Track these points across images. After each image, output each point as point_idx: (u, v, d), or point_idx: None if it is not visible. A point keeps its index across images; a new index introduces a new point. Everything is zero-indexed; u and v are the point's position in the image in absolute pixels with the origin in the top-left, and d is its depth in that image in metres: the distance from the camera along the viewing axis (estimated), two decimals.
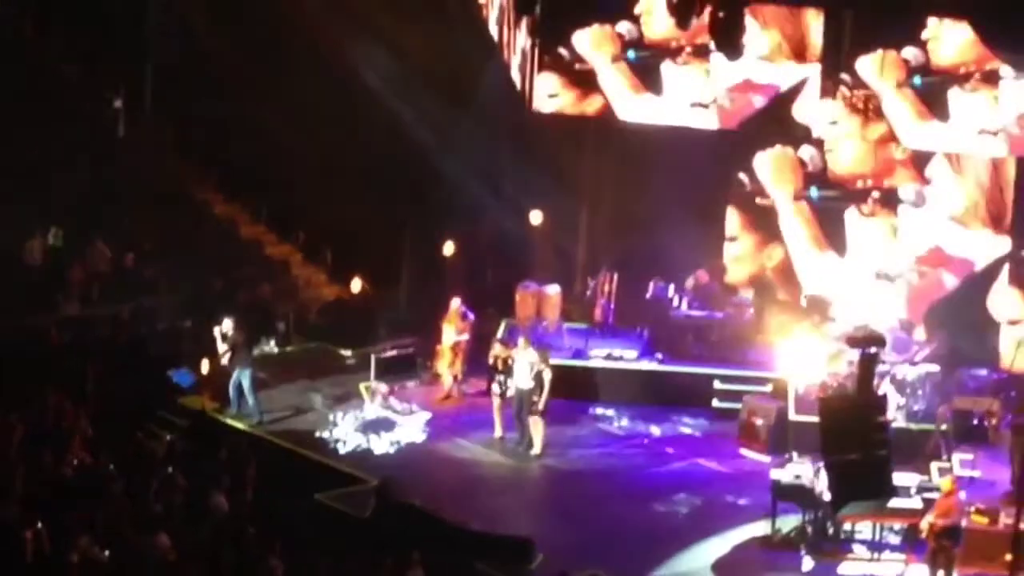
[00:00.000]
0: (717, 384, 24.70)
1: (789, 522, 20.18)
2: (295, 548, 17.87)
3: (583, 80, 26.32)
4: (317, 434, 22.99)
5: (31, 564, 16.61)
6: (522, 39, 26.98)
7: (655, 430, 24.01)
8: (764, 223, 26.82)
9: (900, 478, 19.70)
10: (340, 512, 20.20)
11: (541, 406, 22.44)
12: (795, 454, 20.86)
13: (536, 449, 22.63)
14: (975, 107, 25.23)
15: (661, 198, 25.93)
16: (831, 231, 26.51)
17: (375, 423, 23.50)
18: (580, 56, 26.24)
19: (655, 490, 21.73)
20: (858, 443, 18.89)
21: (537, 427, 22.58)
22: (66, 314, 25.37)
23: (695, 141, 26.27)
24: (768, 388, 24.10)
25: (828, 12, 25.87)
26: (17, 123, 26.13)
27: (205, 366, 23.75)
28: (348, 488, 20.95)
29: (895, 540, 19.79)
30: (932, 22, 25.28)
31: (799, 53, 26.05)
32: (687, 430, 24.15)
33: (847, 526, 19.92)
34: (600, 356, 25.28)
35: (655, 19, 25.83)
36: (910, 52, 25.45)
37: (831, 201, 26.38)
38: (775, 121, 26.23)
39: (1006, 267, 25.81)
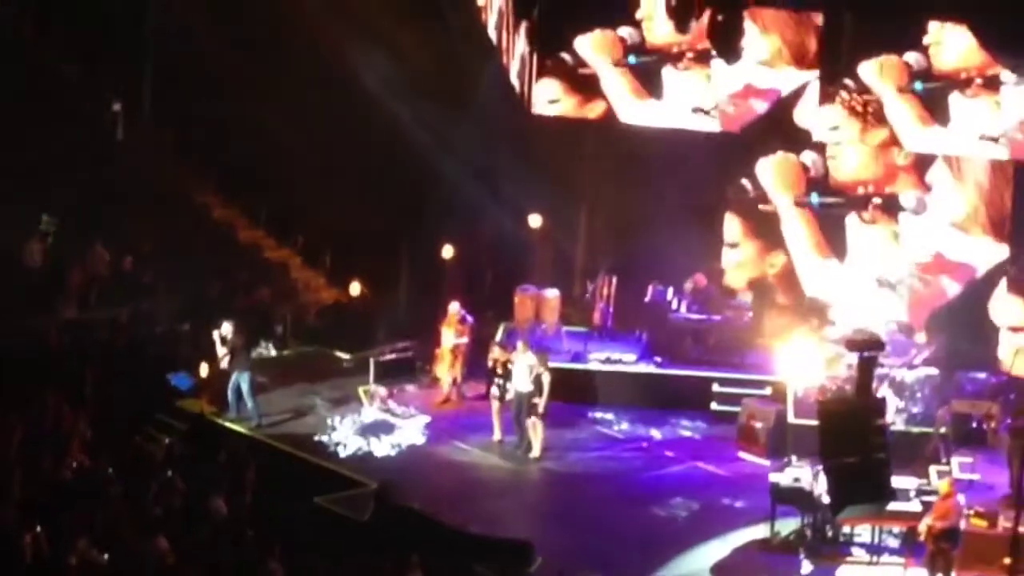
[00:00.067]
0: (716, 387, 24.71)
1: (788, 525, 20.18)
2: (294, 551, 17.86)
3: (584, 85, 26.33)
4: (316, 437, 22.99)
5: (30, 567, 16.60)
6: (521, 45, 27.00)
7: (654, 433, 24.00)
8: (765, 230, 26.82)
9: (899, 481, 19.70)
10: (339, 515, 20.19)
11: (541, 409, 22.44)
12: (794, 457, 20.87)
13: (535, 452, 22.63)
14: (976, 112, 25.21)
15: (660, 201, 25.99)
16: (833, 237, 26.51)
17: (374, 426, 23.49)
18: (583, 60, 26.25)
19: (654, 493, 21.73)
20: (857, 446, 18.89)
21: (536, 430, 22.58)
22: (65, 317, 25.35)
23: (694, 144, 26.30)
24: (767, 391, 24.10)
25: (827, 16, 25.86)
26: (16, 125, 26.11)
27: (204, 369, 23.76)
28: (347, 491, 20.93)
29: (894, 543, 19.80)
30: (933, 27, 25.27)
31: (800, 58, 26.05)
32: (686, 433, 24.15)
33: (846, 529, 19.94)
34: (599, 359, 25.29)
35: (656, 24, 25.84)
36: (912, 57, 25.44)
37: (832, 207, 26.38)
38: (777, 126, 26.23)
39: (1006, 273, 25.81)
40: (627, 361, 25.33)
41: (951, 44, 25.31)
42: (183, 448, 21.23)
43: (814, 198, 26.44)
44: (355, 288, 27.21)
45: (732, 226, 27.00)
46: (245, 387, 23.19)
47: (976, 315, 25.71)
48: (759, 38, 25.88)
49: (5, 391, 21.32)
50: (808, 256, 26.67)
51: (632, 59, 26.16)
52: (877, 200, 26.24)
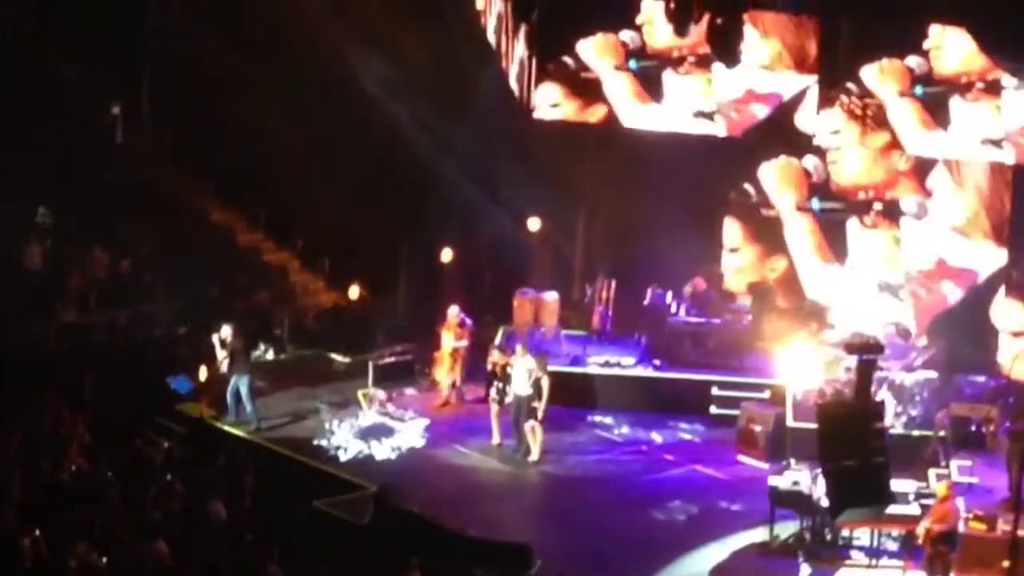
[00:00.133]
0: (715, 391, 24.72)
1: (787, 528, 20.19)
2: (293, 555, 17.86)
3: (585, 90, 26.36)
4: (315, 441, 22.99)
5: (29, 570, 16.60)
6: (520, 49, 27.02)
7: (653, 437, 24.01)
8: (766, 234, 26.82)
9: (898, 484, 19.68)
10: (338, 519, 20.19)
11: (540, 413, 22.44)
12: (793, 461, 20.88)
13: (534, 456, 22.63)
14: (978, 117, 25.20)
15: (659, 205, 25.99)
16: (835, 242, 26.51)
17: (373, 430, 23.50)
18: (585, 64, 26.27)
19: (653, 497, 21.74)
20: (856, 449, 18.88)
21: (535, 434, 22.58)
22: (64, 320, 25.34)
23: (693, 148, 26.31)
24: (766, 395, 24.10)
25: (826, 20, 25.87)
26: (15, 127, 26.11)
27: (203, 373, 23.76)
28: (346, 495, 20.93)
29: (893, 546, 19.82)
30: (934, 31, 25.27)
31: (800, 62, 26.06)
32: (685, 436, 24.16)
33: (845, 532, 19.95)
34: (598, 363, 25.29)
35: (656, 28, 25.88)
36: (913, 60, 25.45)
37: (833, 212, 26.39)
38: (778, 131, 26.24)
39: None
40: (626, 364, 25.33)
41: (951, 48, 25.31)
42: (182, 452, 21.24)
43: (815, 203, 26.44)
44: (354, 291, 27.21)
45: (732, 230, 27.00)
46: (244, 391, 23.19)
47: (975, 318, 25.70)
48: (759, 42, 25.91)
49: (4, 394, 21.32)
50: (811, 261, 26.65)
51: (633, 64, 26.19)
52: (878, 205, 26.23)
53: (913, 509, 19.59)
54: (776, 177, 26.58)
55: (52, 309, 25.43)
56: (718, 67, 25.73)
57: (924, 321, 26.00)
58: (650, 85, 26.28)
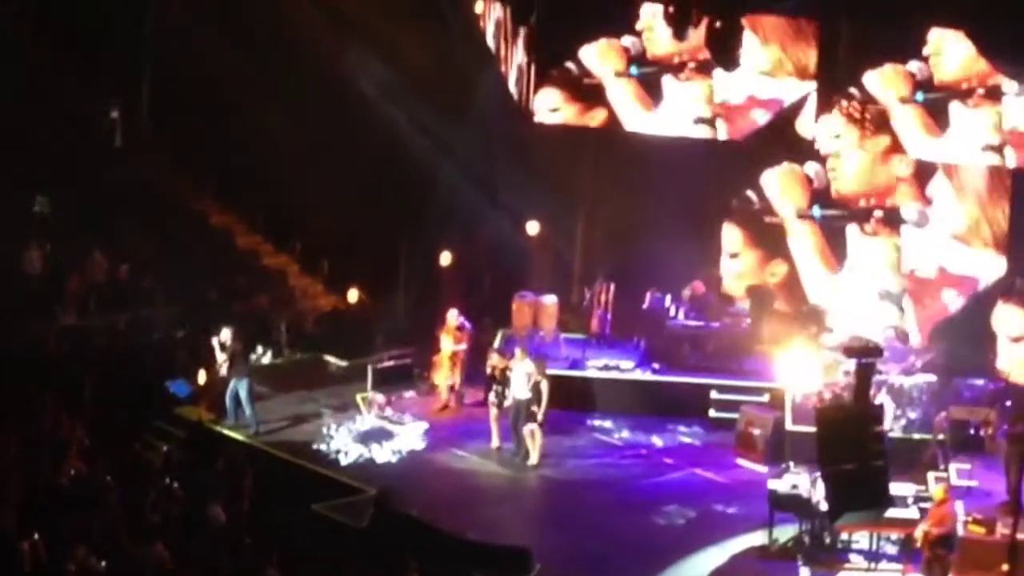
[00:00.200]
0: (714, 394, 24.70)
1: (786, 532, 20.20)
2: (292, 558, 17.86)
3: (586, 94, 26.41)
4: (315, 445, 22.98)
5: (28, 574, 16.60)
6: (519, 54, 27.06)
7: (652, 440, 24.00)
8: (767, 239, 26.84)
9: (897, 488, 19.70)
10: (337, 522, 20.18)
11: (540, 417, 22.44)
12: (792, 464, 20.89)
13: (533, 459, 22.63)
14: (978, 123, 25.18)
15: (658, 208, 26.01)
16: (838, 249, 26.52)
17: (372, 433, 23.49)
18: (588, 70, 26.30)
19: (652, 500, 21.74)
20: (855, 453, 18.89)
21: (535, 437, 22.58)
22: (64, 324, 25.34)
23: (692, 152, 26.34)
24: (765, 398, 24.11)
25: (825, 24, 25.87)
26: (14, 130, 26.10)
27: (202, 376, 23.76)
28: (345, 498, 20.93)
29: (892, 550, 19.82)
30: (933, 37, 25.25)
31: (801, 69, 26.08)
32: (684, 440, 24.15)
33: (844, 536, 19.96)
34: (597, 366, 25.29)
35: (657, 35, 25.92)
36: (915, 66, 25.44)
37: (834, 220, 26.40)
38: (779, 136, 26.26)
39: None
40: (625, 368, 25.33)
41: (951, 54, 25.29)
42: (181, 455, 21.22)
43: (816, 211, 26.44)
44: (353, 295, 27.21)
45: (733, 236, 27.02)
46: (243, 394, 23.19)
47: (974, 323, 25.69)
48: (760, 49, 25.95)
49: (3, 397, 21.32)
50: (815, 268, 26.64)
51: (634, 70, 26.22)
52: (879, 213, 26.22)
53: (912, 512, 19.61)
54: (778, 184, 26.59)
55: (51, 312, 25.42)
56: (719, 73, 25.79)
57: (926, 329, 25.98)
58: (654, 91, 26.31)
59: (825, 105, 26.00)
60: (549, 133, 26.99)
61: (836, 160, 26.29)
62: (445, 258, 26.72)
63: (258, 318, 26.72)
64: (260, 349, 25.82)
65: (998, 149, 25.24)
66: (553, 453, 23.00)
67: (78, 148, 27.59)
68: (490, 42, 28.04)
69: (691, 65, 26.18)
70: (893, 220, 26.21)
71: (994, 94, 25.12)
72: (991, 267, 25.87)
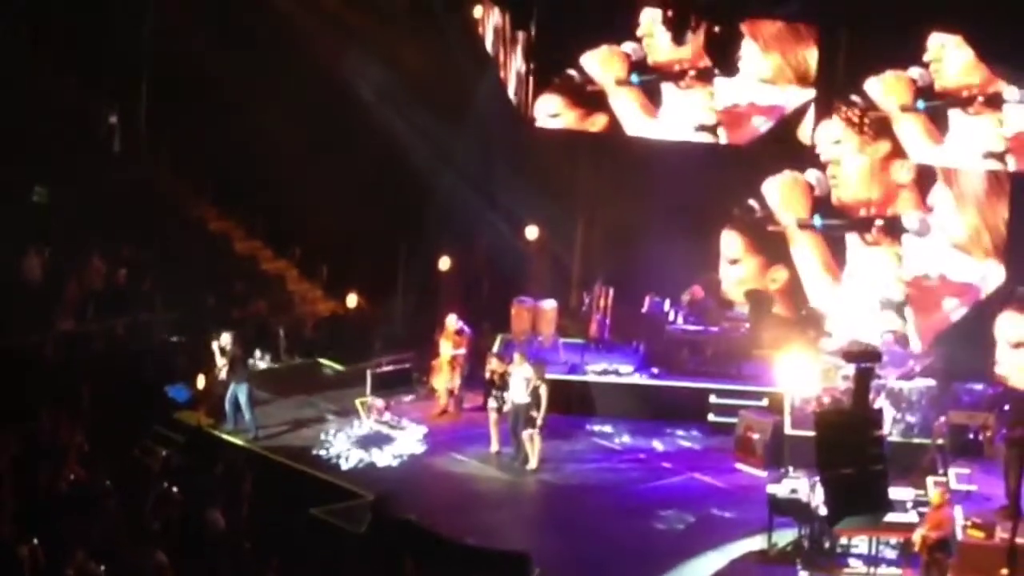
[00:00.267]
0: (713, 399, 24.70)
1: (785, 536, 20.20)
2: (291, 563, 17.86)
3: (587, 100, 26.44)
4: (314, 450, 22.98)
5: None
6: (518, 59, 27.09)
7: (651, 445, 23.99)
8: (768, 246, 26.83)
9: (896, 492, 19.71)
10: (336, 527, 20.17)
11: (540, 421, 22.44)
12: (791, 468, 20.90)
13: (532, 464, 22.63)
14: (978, 130, 25.16)
15: (657, 213, 26.00)
16: (841, 258, 26.51)
17: (371, 438, 23.49)
18: (590, 77, 26.33)
19: (651, 504, 21.74)
20: (854, 457, 18.88)
21: (534, 442, 22.58)
22: (62, 329, 25.33)
23: (691, 156, 26.36)
24: (764, 403, 24.09)
25: (825, 30, 25.87)
26: (12, 134, 26.11)
27: (201, 381, 23.76)
28: (344, 503, 20.92)
29: (891, 554, 19.83)
30: (934, 44, 25.22)
31: (802, 76, 26.07)
32: (683, 445, 24.14)
33: (843, 540, 19.96)
34: (596, 371, 25.29)
35: (657, 41, 25.95)
36: (916, 72, 25.42)
37: (835, 229, 26.40)
38: (780, 143, 26.26)
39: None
40: (624, 372, 25.33)
41: (951, 62, 25.25)
42: (180, 460, 21.25)
43: (817, 220, 26.44)
44: (352, 300, 27.21)
45: (733, 242, 27.02)
46: (243, 399, 23.19)
47: (973, 327, 25.69)
48: (760, 57, 25.95)
49: (2, 403, 21.31)
50: (817, 277, 26.61)
51: (635, 79, 26.25)
52: (880, 222, 26.20)
53: (911, 517, 19.62)
54: (780, 193, 26.58)
55: (49, 318, 25.41)
56: (720, 81, 25.83)
57: (928, 337, 25.94)
58: (656, 98, 26.35)
59: (825, 111, 26.00)
60: (548, 138, 27.01)
61: (837, 167, 26.27)
62: (444, 263, 26.72)
63: (257, 323, 26.71)
64: (259, 354, 25.80)
65: (1000, 156, 25.21)
66: (552, 457, 22.99)
67: (77, 151, 27.59)
68: (489, 47, 28.06)
69: (692, 73, 26.19)
70: (894, 229, 26.18)
71: (995, 101, 25.09)
72: (992, 276, 25.84)
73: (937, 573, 18.77)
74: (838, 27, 25.74)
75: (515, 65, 27.40)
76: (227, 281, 27.55)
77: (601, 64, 26.38)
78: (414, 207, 27.90)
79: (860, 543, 19.93)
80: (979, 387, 24.44)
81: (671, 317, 25.84)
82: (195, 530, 18.69)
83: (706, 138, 26.43)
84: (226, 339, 23.39)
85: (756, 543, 20.32)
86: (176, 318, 26.11)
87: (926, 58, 25.32)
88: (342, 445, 23.15)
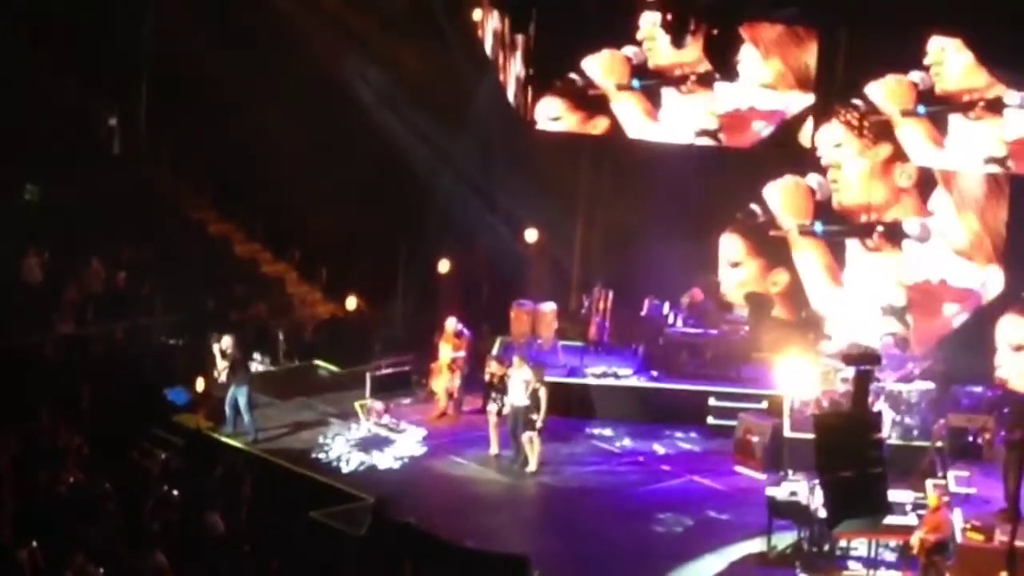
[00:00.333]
0: (712, 401, 24.70)
1: (785, 539, 20.22)
2: (290, 566, 17.86)
3: (589, 103, 26.46)
4: (313, 453, 22.98)
5: None
6: (518, 62, 27.11)
7: (650, 448, 23.98)
8: (769, 249, 26.84)
9: (895, 495, 19.69)
10: (335, 530, 20.18)
11: (539, 424, 22.45)
12: (790, 471, 20.91)
13: (531, 466, 22.63)
14: (980, 135, 25.15)
15: (657, 215, 26.03)
16: (844, 264, 26.51)
17: (370, 441, 23.50)
18: (592, 81, 26.35)
19: (650, 507, 21.74)
20: (853, 460, 18.85)
21: (533, 445, 22.58)
22: (61, 332, 25.33)
23: (691, 159, 26.38)
24: (763, 405, 24.09)
25: (825, 33, 25.86)
26: (11, 137, 26.11)
27: (200, 384, 23.77)
28: (343, 506, 20.93)
29: (890, 557, 19.85)
30: (934, 48, 25.21)
31: (803, 81, 26.07)
32: (682, 447, 24.14)
33: (843, 543, 19.98)
34: (595, 374, 25.29)
35: (658, 46, 25.95)
36: (917, 76, 25.41)
37: (836, 235, 26.40)
38: (782, 147, 26.27)
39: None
40: (623, 375, 25.34)
41: (952, 65, 25.24)
42: (179, 463, 21.24)
43: (818, 226, 26.44)
44: (351, 302, 27.22)
45: (735, 245, 27.03)
46: (242, 402, 23.19)
47: (972, 330, 25.70)
48: (761, 62, 25.96)
49: (2, 404, 21.31)
50: (820, 281, 26.61)
51: (636, 84, 26.26)
52: (881, 228, 26.19)
53: (910, 519, 19.62)
54: (781, 197, 26.58)
55: (49, 319, 25.42)
56: (720, 86, 25.83)
57: (929, 342, 25.92)
58: (657, 103, 26.37)
59: (825, 114, 26.00)
60: (548, 140, 27.02)
61: (837, 171, 26.27)
62: (444, 265, 26.72)
63: (257, 326, 26.71)
64: (259, 356, 25.80)
65: (1001, 161, 25.20)
66: (551, 460, 23.00)
67: (77, 152, 27.58)
68: (488, 51, 28.07)
69: (693, 78, 26.20)
70: (895, 235, 26.18)
71: (996, 106, 25.08)
72: (993, 281, 25.82)
73: (936, 575, 18.80)
74: (838, 29, 25.73)
75: (514, 69, 27.41)
76: (227, 284, 27.56)
77: (602, 68, 26.40)
78: (414, 209, 27.91)
79: (859, 546, 19.96)
80: (978, 390, 24.43)
81: (670, 320, 25.84)
82: (194, 533, 18.69)
83: (707, 143, 26.44)
84: (227, 342, 23.41)
85: (755, 546, 20.33)
86: (175, 321, 26.12)
87: (926, 62, 25.31)
88: (341, 448, 23.16)
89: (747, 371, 25.21)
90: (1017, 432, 20.99)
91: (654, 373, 25.31)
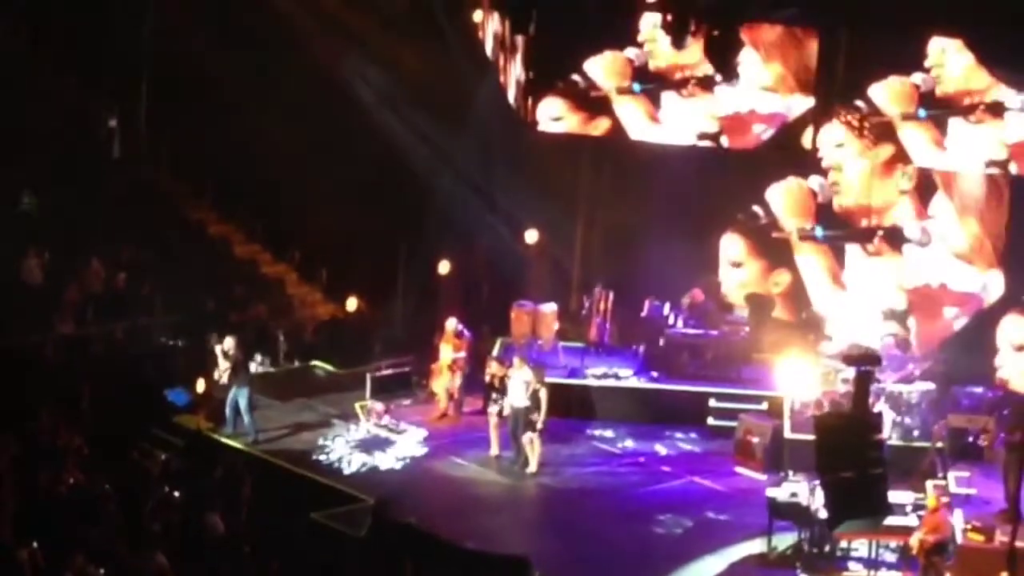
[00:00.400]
0: (713, 402, 24.70)
1: (785, 540, 20.21)
2: (291, 567, 17.85)
3: (590, 104, 26.46)
4: (314, 454, 22.97)
5: None
6: (517, 69, 27.13)
7: (651, 449, 23.98)
8: (770, 250, 26.85)
9: (896, 496, 19.68)
10: (336, 531, 20.17)
11: (540, 425, 22.45)
12: (791, 472, 20.90)
13: (532, 467, 22.63)
14: (980, 138, 25.13)
15: (657, 216, 26.03)
16: (842, 264, 26.50)
17: (371, 442, 23.49)
18: (594, 83, 26.35)
19: (651, 509, 21.73)
20: (854, 461, 18.86)
21: (534, 446, 22.58)
22: (61, 333, 25.33)
23: (693, 161, 26.38)
24: (764, 406, 24.09)
25: (825, 34, 25.86)
26: (11, 139, 26.10)
27: (201, 385, 23.77)
28: (344, 507, 20.92)
29: (891, 558, 19.84)
30: (935, 49, 25.19)
31: (803, 83, 26.07)
32: (683, 448, 24.14)
33: (843, 544, 19.96)
34: (595, 375, 25.29)
35: (659, 47, 25.95)
36: (919, 77, 25.40)
37: (836, 239, 26.40)
38: (783, 149, 26.27)
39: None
40: (624, 376, 25.34)
41: (953, 67, 25.22)
42: (180, 464, 21.22)
43: (819, 231, 26.44)
44: (352, 303, 27.21)
45: (736, 245, 27.04)
46: (243, 403, 23.18)
47: (973, 332, 25.70)
48: (761, 65, 25.95)
49: (2, 404, 21.30)
50: (822, 285, 26.61)
51: (637, 87, 26.26)
52: (881, 232, 26.18)
53: (911, 520, 19.60)
54: (783, 200, 26.58)
55: (49, 320, 25.42)
56: (721, 89, 25.83)
57: (930, 345, 25.91)
58: (659, 106, 26.37)
59: (826, 116, 25.99)
60: (548, 141, 27.02)
61: (839, 174, 26.25)
62: (444, 266, 26.72)
63: (257, 327, 26.70)
64: (259, 358, 25.79)
65: (1002, 164, 25.19)
66: (552, 461, 22.99)
67: (77, 153, 27.58)
68: (489, 52, 28.07)
69: (693, 81, 26.20)
70: (895, 239, 26.17)
71: (996, 109, 25.06)
72: (993, 285, 25.81)
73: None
74: (838, 30, 25.72)
75: (515, 70, 27.41)
76: (227, 285, 27.56)
77: (604, 70, 26.39)
78: (414, 210, 27.91)
79: (860, 546, 19.95)
80: (979, 391, 24.46)
81: (671, 321, 25.85)
82: (195, 534, 18.67)
83: (708, 146, 26.44)
84: (229, 343, 23.41)
85: (756, 547, 20.32)
86: (176, 322, 26.12)
87: (927, 64, 25.29)
88: (341, 449, 23.15)
89: (748, 372, 25.22)
90: (1017, 434, 21.00)
91: (654, 374, 25.31)
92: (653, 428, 24.55)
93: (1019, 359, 25.17)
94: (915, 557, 19.03)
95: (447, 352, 24.65)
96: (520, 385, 22.57)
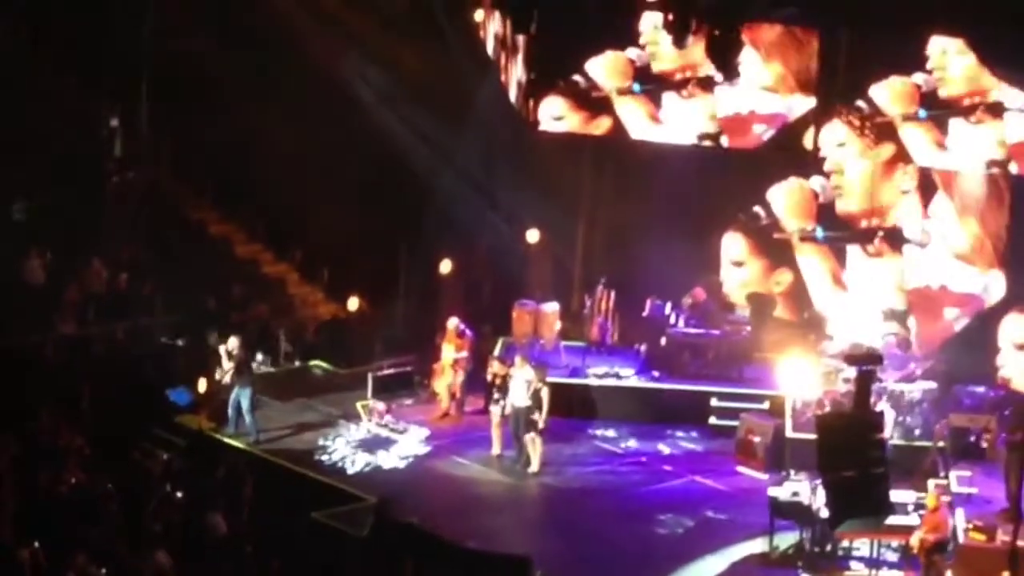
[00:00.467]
0: (714, 402, 24.70)
1: (787, 539, 20.21)
2: (292, 566, 17.85)
3: (592, 104, 26.45)
4: (314, 453, 22.98)
5: None
6: (518, 70, 27.13)
7: (653, 448, 23.98)
8: (772, 249, 26.85)
9: (897, 495, 19.72)
10: (337, 530, 20.17)
11: (541, 424, 22.45)
12: (792, 471, 20.91)
13: (534, 467, 22.63)
14: (980, 138, 25.11)
15: (658, 216, 26.02)
16: (844, 265, 26.49)
17: (372, 441, 23.50)
18: (595, 83, 26.35)
19: (652, 508, 21.73)
20: (855, 460, 18.90)
21: (535, 445, 22.58)
22: (63, 333, 25.33)
23: (694, 160, 26.38)
24: (765, 406, 24.08)
25: (826, 34, 25.85)
26: (12, 139, 26.10)
27: (202, 385, 23.77)
28: (345, 506, 20.92)
29: (892, 557, 19.84)
30: (935, 50, 25.17)
31: (804, 83, 26.06)
32: (684, 447, 24.14)
33: (845, 543, 19.97)
34: (597, 374, 25.28)
35: (661, 47, 25.94)
36: (920, 77, 25.37)
37: (837, 241, 26.39)
38: (784, 148, 26.26)
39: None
40: (625, 376, 25.33)
41: (954, 67, 25.19)
42: (181, 463, 21.24)
43: (819, 232, 26.43)
44: (353, 303, 27.20)
45: (738, 244, 27.03)
46: (245, 403, 23.18)
47: (975, 331, 25.69)
48: (762, 65, 25.94)
49: (2, 406, 21.30)
50: (824, 285, 26.59)
51: (637, 88, 26.26)
52: (882, 233, 26.16)
53: (912, 520, 19.61)
54: (785, 200, 26.57)
55: (50, 320, 25.42)
56: (721, 89, 25.82)
57: (930, 345, 25.89)
58: (656, 106, 26.37)
59: (827, 116, 25.98)
60: (550, 140, 27.02)
61: (840, 176, 26.23)
62: (445, 266, 26.72)
63: (258, 327, 26.70)
64: (260, 357, 25.79)
65: (1002, 164, 25.18)
66: (554, 461, 22.99)
67: (78, 153, 27.56)
68: (490, 52, 28.07)
69: (693, 82, 26.19)
70: (896, 240, 26.16)
71: (997, 110, 25.04)
72: (994, 286, 25.80)
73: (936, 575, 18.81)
74: (838, 30, 25.71)
75: (516, 70, 27.41)
76: (228, 284, 27.55)
77: (606, 70, 26.39)
78: (415, 209, 27.91)
79: (861, 546, 19.96)
80: (980, 390, 24.43)
81: (672, 320, 25.84)
82: (196, 534, 18.69)
83: (709, 146, 26.44)
84: (233, 343, 23.41)
85: (757, 546, 20.33)
86: (177, 321, 26.12)
87: (929, 64, 25.27)
88: (343, 448, 23.15)
89: (749, 371, 25.22)
90: (1019, 433, 21.01)
91: (656, 373, 25.31)
92: (655, 427, 24.55)
93: (1021, 358, 25.15)
94: (916, 556, 19.03)
95: (449, 351, 24.64)
96: (522, 384, 22.57)
